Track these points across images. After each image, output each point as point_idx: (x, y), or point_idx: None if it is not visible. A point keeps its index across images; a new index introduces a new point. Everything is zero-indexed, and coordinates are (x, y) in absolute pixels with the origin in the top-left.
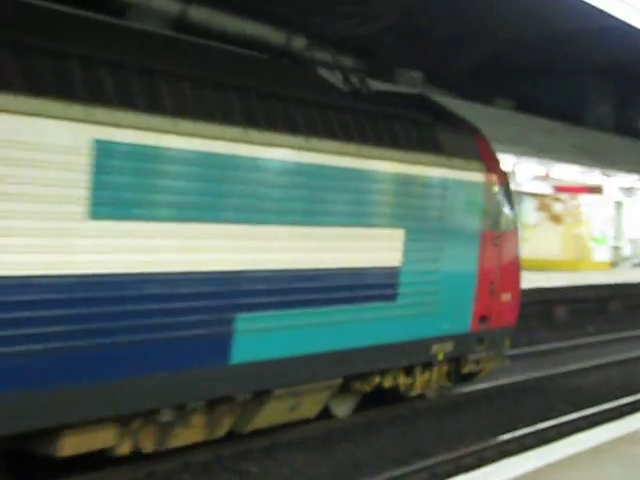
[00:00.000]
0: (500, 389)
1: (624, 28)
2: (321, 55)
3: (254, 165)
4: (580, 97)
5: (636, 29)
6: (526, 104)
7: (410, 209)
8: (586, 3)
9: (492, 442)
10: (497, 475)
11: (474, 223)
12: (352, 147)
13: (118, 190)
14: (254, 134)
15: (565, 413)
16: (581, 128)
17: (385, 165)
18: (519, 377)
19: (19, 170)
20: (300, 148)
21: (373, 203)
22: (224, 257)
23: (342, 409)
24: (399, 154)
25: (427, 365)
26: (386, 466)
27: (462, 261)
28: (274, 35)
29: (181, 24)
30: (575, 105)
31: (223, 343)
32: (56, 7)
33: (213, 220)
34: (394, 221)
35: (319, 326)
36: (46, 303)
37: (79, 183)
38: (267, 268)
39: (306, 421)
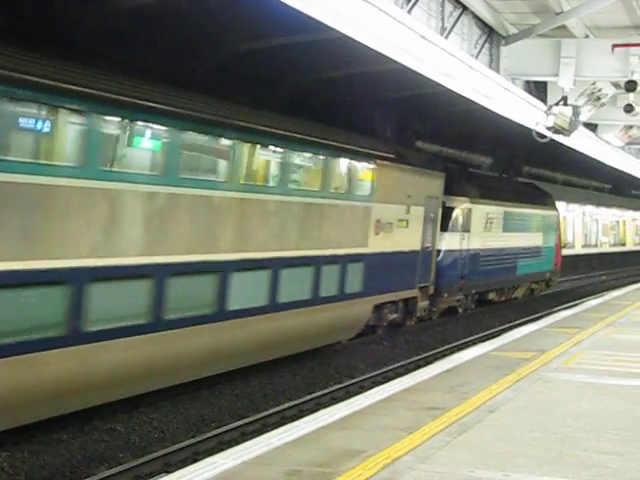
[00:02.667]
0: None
1: (404, 70)
2: None
3: (518, 215)
4: (370, 125)
5: (413, 71)
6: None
7: (543, 225)
8: (378, 52)
9: (309, 397)
10: (316, 423)
11: (555, 228)
12: (531, 206)
13: (505, 224)
14: (517, 204)
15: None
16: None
17: (534, 211)
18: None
19: (494, 222)
20: (522, 207)
21: (534, 224)
22: (513, 243)
23: (520, 296)
24: (537, 206)
25: (541, 281)
26: (226, 420)
27: (552, 242)
28: None
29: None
30: (367, 131)
31: (514, 269)
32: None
33: (508, 231)
34: (539, 229)
35: (526, 264)
36: (483, 257)
37: (500, 224)
38: (519, 246)
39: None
